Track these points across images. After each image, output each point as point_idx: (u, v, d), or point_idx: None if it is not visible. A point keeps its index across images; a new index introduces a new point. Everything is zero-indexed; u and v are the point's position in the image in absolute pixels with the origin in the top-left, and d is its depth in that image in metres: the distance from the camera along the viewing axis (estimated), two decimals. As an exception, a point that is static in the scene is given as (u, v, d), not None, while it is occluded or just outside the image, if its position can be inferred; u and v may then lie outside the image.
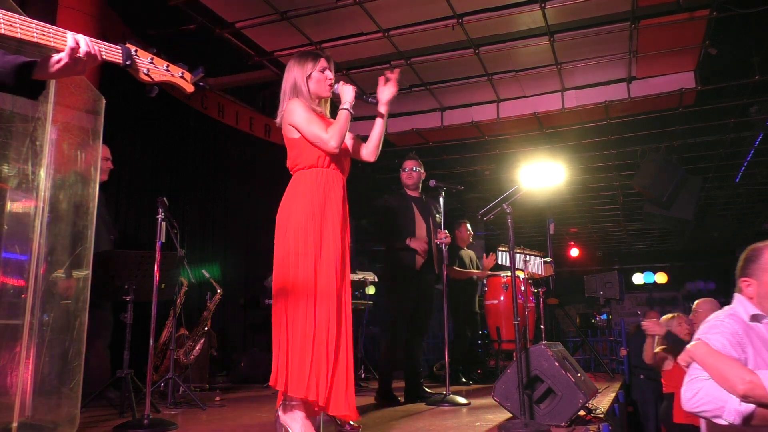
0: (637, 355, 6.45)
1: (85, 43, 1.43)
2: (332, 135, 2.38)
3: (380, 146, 2.65)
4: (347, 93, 2.50)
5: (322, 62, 2.52)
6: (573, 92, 6.68)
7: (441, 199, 4.12)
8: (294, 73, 2.50)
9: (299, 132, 2.43)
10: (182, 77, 1.66)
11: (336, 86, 2.54)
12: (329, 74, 2.52)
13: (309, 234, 2.33)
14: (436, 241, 4.06)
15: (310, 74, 2.49)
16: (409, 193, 4.25)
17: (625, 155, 8.33)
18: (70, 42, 1.41)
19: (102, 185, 3.92)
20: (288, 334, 2.26)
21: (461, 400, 3.79)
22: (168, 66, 1.61)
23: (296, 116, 2.41)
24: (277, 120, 2.53)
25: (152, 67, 1.58)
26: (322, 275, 2.31)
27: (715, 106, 6.75)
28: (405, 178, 4.23)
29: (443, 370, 4.57)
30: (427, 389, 4.14)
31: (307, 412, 2.29)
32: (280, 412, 2.28)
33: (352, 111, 2.46)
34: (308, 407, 2.30)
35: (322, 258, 2.33)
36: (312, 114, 2.43)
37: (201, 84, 1.70)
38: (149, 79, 1.56)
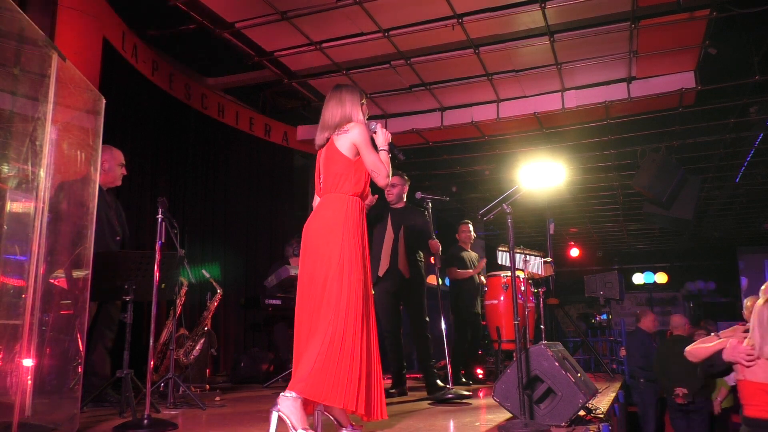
0: (635, 357, 6.45)
1: None
2: (389, 171, 2.59)
3: None
4: (384, 136, 2.65)
5: (364, 98, 2.73)
6: (573, 92, 6.68)
7: (428, 211, 4.35)
8: (350, 99, 2.65)
9: (361, 153, 2.55)
10: None
11: (373, 125, 2.66)
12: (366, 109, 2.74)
13: (356, 259, 2.47)
14: (431, 249, 4.34)
15: (362, 105, 2.68)
16: (393, 204, 4.53)
17: (625, 155, 8.33)
18: None
19: (115, 190, 3.97)
20: (332, 344, 2.31)
21: (465, 392, 3.86)
22: None
23: (363, 139, 2.55)
24: (324, 135, 2.64)
25: None
26: (362, 293, 2.45)
27: (715, 106, 6.75)
28: (385, 194, 4.50)
29: (443, 369, 4.60)
30: (439, 382, 4.24)
31: (303, 406, 2.34)
32: (279, 404, 2.30)
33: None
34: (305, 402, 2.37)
35: (364, 279, 2.48)
36: (370, 141, 2.60)
37: None
38: None
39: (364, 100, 2.70)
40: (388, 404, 2.54)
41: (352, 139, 2.54)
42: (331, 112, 2.63)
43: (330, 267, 2.43)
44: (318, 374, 2.26)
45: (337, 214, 2.50)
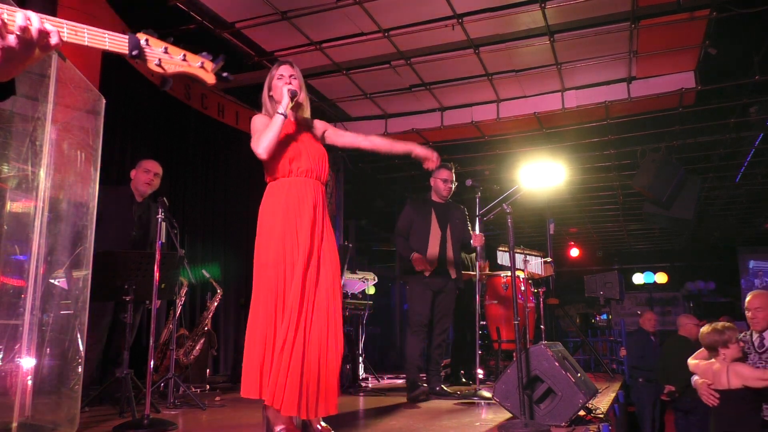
0: (633, 357, 6.45)
1: (38, 21, 1.13)
2: (258, 141, 2.42)
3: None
4: (284, 96, 2.44)
5: (280, 68, 2.54)
6: (573, 92, 6.68)
7: (477, 199, 4.17)
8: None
9: None
10: (202, 67, 1.48)
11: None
12: (285, 77, 2.51)
13: (270, 247, 2.44)
14: (474, 244, 4.16)
15: (270, 84, 2.58)
16: (434, 199, 4.30)
17: (625, 155, 8.33)
18: (19, 21, 1.10)
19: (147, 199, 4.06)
20: (248, 340, 2.41)
21: (487, 394, 3.85)
22: (185, 55, 1.43)
23: (253, 126, 2.54)
24: None
25: (165, 57, 1.41)
26: (284, 284, 2.41)
27: (715, 106, 6.75)
28: (442, 188, 4.26)
29: (446, 369, 4.60)
30: (446, 389, 4.19)
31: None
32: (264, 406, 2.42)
33: (285, 114, 2.41)
34: None
35: (286, 268, 2.41)
36: (264, 124, 2.49)
37: (224, 75, 1.56)
38: (161, 71, 1.40)
39: (278, 70, 2.53)
40: (392, 406, 2.52)
41: None
42: None
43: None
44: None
45: (260, 207, 2.56)
